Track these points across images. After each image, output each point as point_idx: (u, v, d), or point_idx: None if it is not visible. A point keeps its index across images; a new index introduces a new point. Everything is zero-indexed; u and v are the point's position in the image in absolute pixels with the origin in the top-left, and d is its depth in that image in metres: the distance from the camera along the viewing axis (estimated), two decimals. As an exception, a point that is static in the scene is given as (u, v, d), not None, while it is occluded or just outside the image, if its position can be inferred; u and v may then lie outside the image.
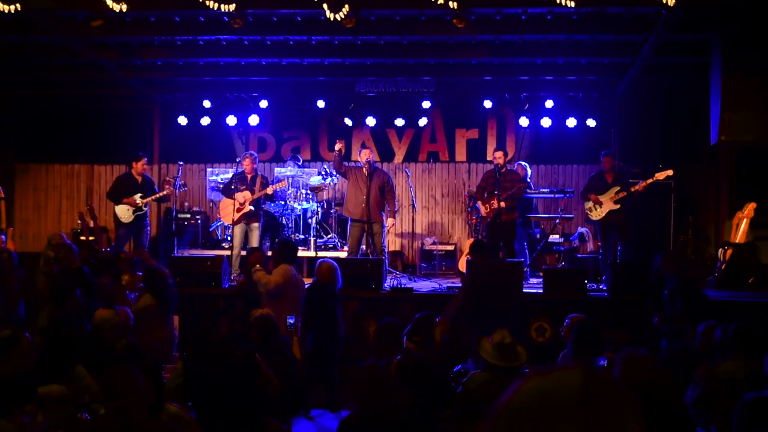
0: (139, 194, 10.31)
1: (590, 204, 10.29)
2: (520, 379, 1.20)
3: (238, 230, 10.35)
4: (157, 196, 10.43)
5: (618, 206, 10.12)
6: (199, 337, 7.92)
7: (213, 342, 5.09)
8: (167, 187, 10.57)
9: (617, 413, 1.14)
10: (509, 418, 1.17)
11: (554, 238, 11.26)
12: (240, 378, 4.89)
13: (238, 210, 10.31)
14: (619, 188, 10.16)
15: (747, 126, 9.39)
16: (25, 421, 3.93)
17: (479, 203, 10.47)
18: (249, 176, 10.52)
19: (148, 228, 10.60)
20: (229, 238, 11.03)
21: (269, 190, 10.48)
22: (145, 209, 10.39)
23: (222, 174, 12.65)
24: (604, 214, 10.19)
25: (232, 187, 10.45)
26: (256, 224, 10.45)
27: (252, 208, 10.37)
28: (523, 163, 11.60)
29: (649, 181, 10.04)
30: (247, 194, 10.35)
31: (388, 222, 10.23)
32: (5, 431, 3.65)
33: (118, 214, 10.34)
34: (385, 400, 4.00)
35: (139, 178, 10.46)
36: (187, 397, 4.80)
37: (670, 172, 9.98)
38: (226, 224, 11.29)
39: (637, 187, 10.06)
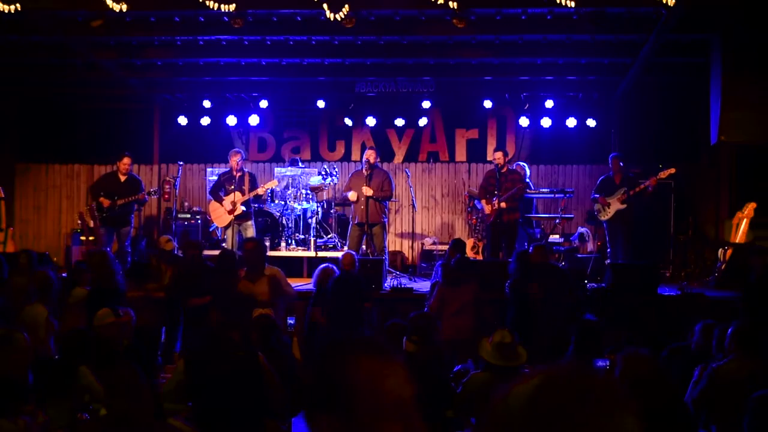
0: (115, 195, 10.24)
1: (599, 205, 10.46)
2: (512, 382, 1.20)
3: (231, 233, 10.29)
4: (131, 199, 10.30)
5: (625, 206, 10.23)
6: (200, 337, 7.91)
7: (214, 342, 5.10)
8: (151, 191, 10.60)
9: (612, 412, 1.13)
10: (503, 422, 1.16)
11: (554, 238, 11.25)
12: (241, 378, 4.89)
13: (231, 212, 10.25)
14: (625, 189, 10.24)
15: (747, 126, 9.39)
16: (25, 421, 3.92)
17: (482, 201, 10.47)
18: (237, 175, 10.41)
19: (126, 228, 10.49)
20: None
21: (260, 191, 10.43)
22: (116, 209, 10.29)
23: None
24: (611, 215, 10.33)
25: (221, 190, 10.42)
26: (248, 222, 10.42)
27: (243, 208, 10.33)
28: (521, 163, 11.59)
29: (653, 181, 10.10)
30: (237, 195, 10.29)
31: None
32: (5, 431, 3.65)
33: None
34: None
35: (123, 178, 10.44)
36: (188, 396, 4.79)
37: (672, 171, 10.08)
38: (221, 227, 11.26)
39: (641, 187, 10.14)
